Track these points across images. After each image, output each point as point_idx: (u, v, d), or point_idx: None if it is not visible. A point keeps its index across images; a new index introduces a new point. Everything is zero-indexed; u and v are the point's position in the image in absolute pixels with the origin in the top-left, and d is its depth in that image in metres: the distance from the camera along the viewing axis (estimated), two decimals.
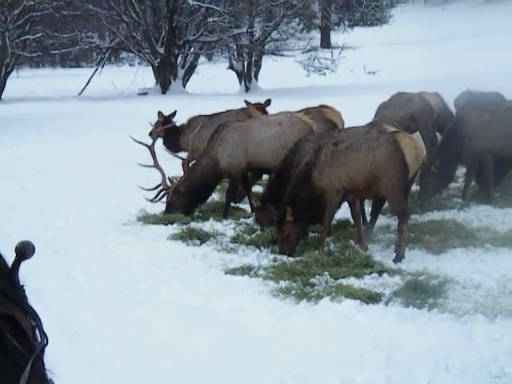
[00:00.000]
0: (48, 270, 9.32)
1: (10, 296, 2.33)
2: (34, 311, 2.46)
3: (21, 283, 2.46)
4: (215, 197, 13.38)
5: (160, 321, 7.55)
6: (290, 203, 9.85)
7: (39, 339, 2.41)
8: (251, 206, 12.27)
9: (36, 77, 59.37)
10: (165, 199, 12.31)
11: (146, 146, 12.75)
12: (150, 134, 15.14)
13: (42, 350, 2.35)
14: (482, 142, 11.95)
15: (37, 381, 2.15)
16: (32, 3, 39.76)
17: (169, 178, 12.45)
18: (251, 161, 12.30)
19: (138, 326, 7.46)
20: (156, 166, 12.68)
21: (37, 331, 2.45)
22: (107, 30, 44.25)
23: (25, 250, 2.47)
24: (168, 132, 15.06)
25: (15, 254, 2.46)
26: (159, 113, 15.20)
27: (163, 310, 7.88)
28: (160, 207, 12.42)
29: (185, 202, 12.17)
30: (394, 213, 10.38)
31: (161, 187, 12.42)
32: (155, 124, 15.14)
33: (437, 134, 14.69)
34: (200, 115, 15.01)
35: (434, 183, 11.98)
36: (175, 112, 15.27)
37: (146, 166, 12.71)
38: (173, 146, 15.10)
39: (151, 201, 12.37)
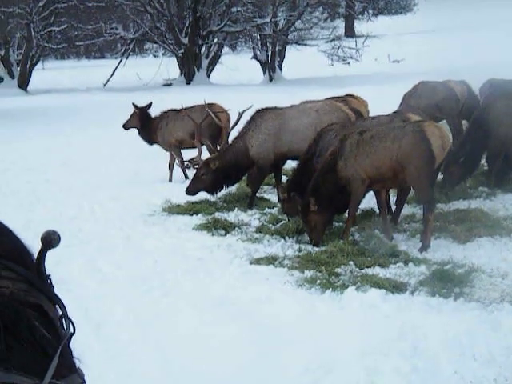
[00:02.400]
0: (74, 262, 9.38)
1: (37, 286, 2.35)
2: (60, 300, 2.49)
3: (47, 273, 2.49)
4: (240, 186, 13.38)
5: (185, 311, 7.57)
6: (315, 193, 9.83)
7: (66, 328, 2.44)
8: (278, 197, 12.24)
9: (61, 68, 59.71)
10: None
11: (194, 121, 13.16)
12: (124, 126, 15.24)
13: (70, 339, 2.37)
14: (507, 130, 11.84)
15: (65, 368, 2.17)
16: None
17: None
18: (285, 150, 12.19)
19: (164, 317, 7.48)
20: (197, 142, 12.90)
21: (63, 320, 2.48)
22: (131, 21, 44.55)
23: (50, 240, 2.49)
24: (143, 123, 15.01)
25: (41, 244, 2.48)
26: (133, 104, 15.11)
27: (188, 300, 7.90)
28: (185, 197, 12.45)
29: (212, 180, 12.14)
30: (420, 202, 10.33)
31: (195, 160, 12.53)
32: (131, 115, 15.15)
33: (464, 122, 14.57)
34: (170, 109, 15.07)
35: (460, 172, 11.89)
36: (151, 103, 15.17)
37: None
38: (147, 137, 15.14)
39: (182, 166, 12.51)
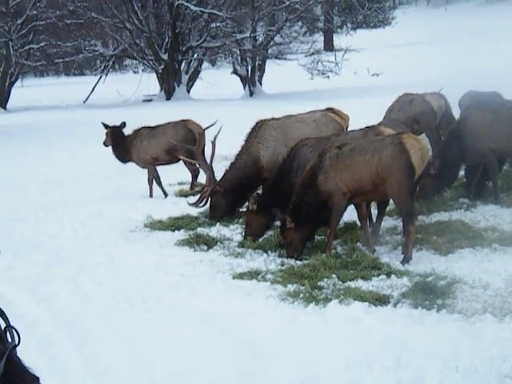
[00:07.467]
0: (56, 280, 9.36)
1: None
2: (3, 312, 2.53)
3: None
4: None
5: (168, 327, 7.55)
6: (296, 209, 9.85)
7: (10, 338, 2.49)
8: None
9: (40, 86, 59.70)
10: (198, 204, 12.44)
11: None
12: (104, 143, 15.04)
13: (15, 347, 2.43)
14: (484, 142, 11.86)
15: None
16: (35, 12, 40.00)
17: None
18: None
19: (146, 333, 7.46)
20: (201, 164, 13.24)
21: (8, 331, 2.52)
22: (110, 37, 44.42)
23: None
24: (116, 142, 14.88)
25: None
26: (103, 124, 14.94)
27: (171, 316, 7.88)
28: (166, 213, 12.45)
29: (226, 202, 12.11)
30: (401, 214, 10.33)
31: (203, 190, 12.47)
32: (106, 134, 14.94)
33: None
34: (143, 127, 14.99)
35: (433, 184, 11.87)
36: (124, 123, 14.97)
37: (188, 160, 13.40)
38: (122, 155, 15.00)
39: (193, 205, 12.34)
